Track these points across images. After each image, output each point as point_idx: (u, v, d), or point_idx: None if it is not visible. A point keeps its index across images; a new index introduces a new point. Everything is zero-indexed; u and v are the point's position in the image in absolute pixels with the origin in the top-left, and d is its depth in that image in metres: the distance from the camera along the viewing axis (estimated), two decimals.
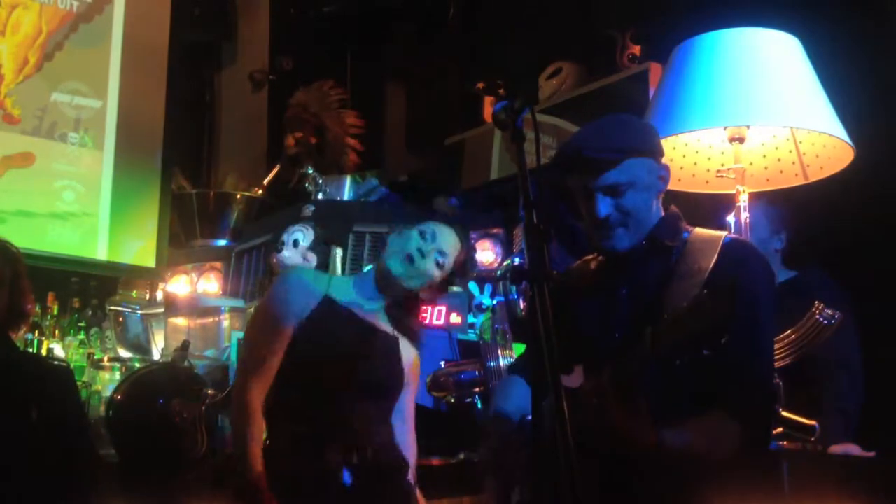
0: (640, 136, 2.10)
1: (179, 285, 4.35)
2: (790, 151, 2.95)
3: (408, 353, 2.63)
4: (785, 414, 2.41)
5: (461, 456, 2.91)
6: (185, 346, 3.17)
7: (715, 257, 1.98)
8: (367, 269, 2.95)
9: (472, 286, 3.61)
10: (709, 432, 1.88)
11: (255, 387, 2.47)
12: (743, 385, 1.92)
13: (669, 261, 2.02)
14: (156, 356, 3.78)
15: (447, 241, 2.57)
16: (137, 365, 3.45)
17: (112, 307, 4.03)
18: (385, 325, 2.61)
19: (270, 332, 2.52)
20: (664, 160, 2.14)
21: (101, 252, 4.36)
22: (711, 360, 1.83)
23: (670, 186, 2.15)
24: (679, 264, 2.00)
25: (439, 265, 2.55)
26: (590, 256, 2.19)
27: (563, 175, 2.14)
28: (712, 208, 2.93)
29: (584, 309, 2.09)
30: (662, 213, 2.11)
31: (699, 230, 2.10)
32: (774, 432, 2.37)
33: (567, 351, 1.79)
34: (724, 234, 2.07)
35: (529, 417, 1.82)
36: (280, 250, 3.82)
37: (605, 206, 2.04)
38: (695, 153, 2.95)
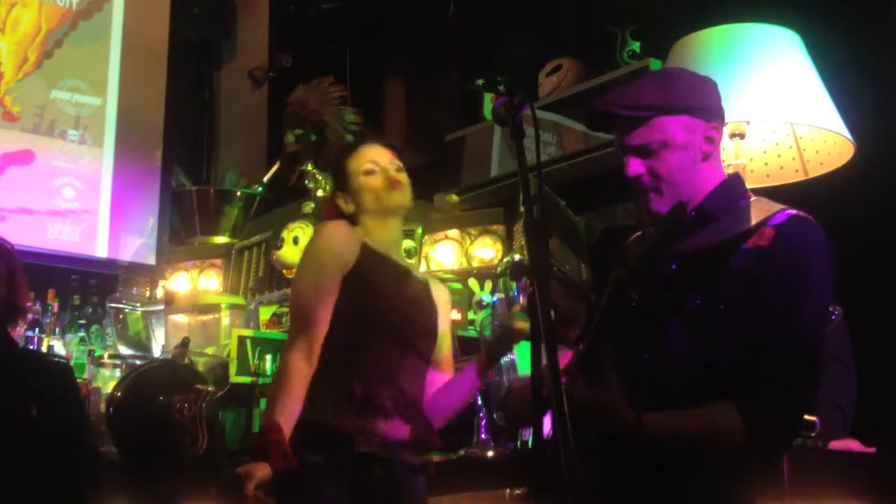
0: (678, 91, 1.94)
1: (179, 282, 4.35)
2: (790, 147, 2.95)
3: (441, 293, 2.64)
4: None
5: (461, 452, 2.90)
6: (185, 343, 3.17)
7: (761, 226, 1.82)
8: None
9: (473, 283, 3.61)
10: (702, 420, 1.75)
11: (299, 348, 2.39)
12: (760, 376, 1.75)
13: (720, 232, 1.84)
14: (156, 353, 3.78)
15: (381, 153, 2.61)
16: (138, 362, 3.45)
17: (112, 304, 4.02)
18: (414, 270, 2.64)
19: (320, 287, 2.44)
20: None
21: (100, 249, 4.36)
22: (725, 342, 1.75)
23: None
24: (728, 234, 1.82)
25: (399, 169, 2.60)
26: (650, 227, 2.04)
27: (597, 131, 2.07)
28: None
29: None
30: (725, 176, 1.97)
31: (760, 199, 1.93)
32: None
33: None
34: (782, 207, 1.88)
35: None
36: (280, 247, 3.82)
37: (633, 167, 1.92)
38: None
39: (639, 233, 2.10)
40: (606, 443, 1.77)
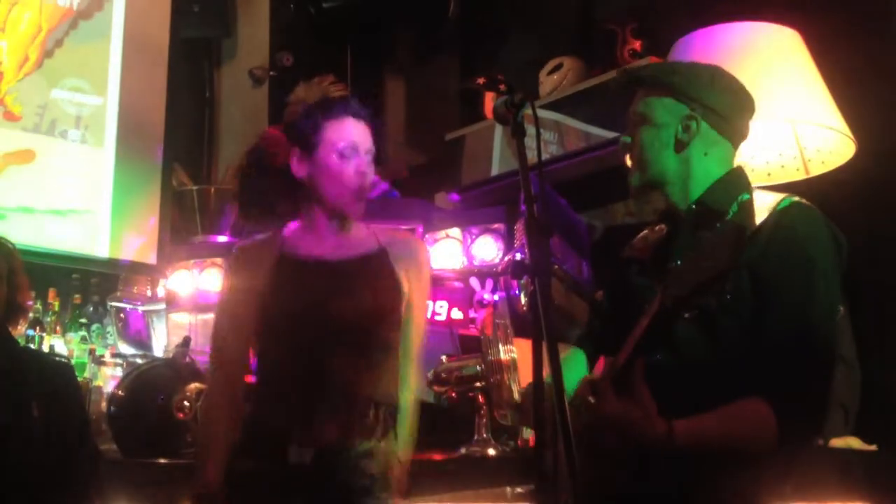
0: (680, 76, 1.95)
1: (180, 281, 4.36)
2: (791, 146, 2.94)
3: (402, 250, 2.41)
4: None
5: (462, 451, 2.90)
6: (186, 341, 3.18)
7: (764, 219, 1.81)
8: None
9: (474, 282, 3.61)
10: (734, 420, 1.72)
11: (217, 382, 2.36)
12: (784, 366, 1.73)
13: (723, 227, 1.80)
14: (157, 352, 3.79)
15: (364, 136, 2.36)
16: (139, 361, 3.45)
17: (113, 303, 4.03)
18: (360, 247, 2.39)
19: (226, 319, 2.36)
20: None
21: (101, 248, 4.36)
22: (739, 338, 1.73)
23: None
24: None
25: (372, 158, 2.36)
26: (657, 225, 2.04)
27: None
28: None
29: (639, 285, 1.95)
30: (731, 168, 1.97)
31: (762, 191, 1.93)
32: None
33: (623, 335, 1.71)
34: (784, 196, 1.88)
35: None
36: None
37: (627, 132, 1.99)
38: None
39: (645, 231, 2.08)
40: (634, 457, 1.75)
